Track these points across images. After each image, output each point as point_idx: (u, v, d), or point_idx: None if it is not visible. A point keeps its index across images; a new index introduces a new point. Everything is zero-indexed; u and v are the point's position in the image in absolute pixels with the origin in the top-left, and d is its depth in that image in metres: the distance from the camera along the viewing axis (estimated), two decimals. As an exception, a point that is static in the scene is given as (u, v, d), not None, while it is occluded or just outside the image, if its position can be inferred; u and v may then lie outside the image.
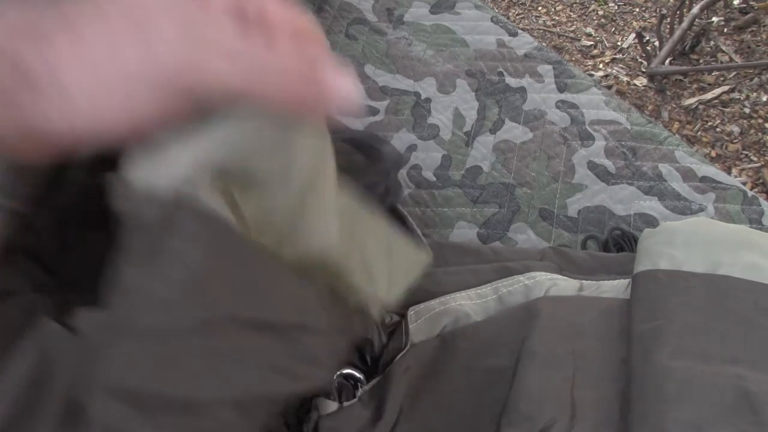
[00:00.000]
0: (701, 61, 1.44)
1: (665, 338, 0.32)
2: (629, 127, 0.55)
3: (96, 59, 0.16)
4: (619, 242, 0.47)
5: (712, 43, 1.46)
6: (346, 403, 0.34)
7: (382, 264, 0.27)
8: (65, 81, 0.15)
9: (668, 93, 1.39)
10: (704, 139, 1.30)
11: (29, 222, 0.24)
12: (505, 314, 0.39)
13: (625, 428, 0.30)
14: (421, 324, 0.39)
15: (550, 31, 1.54)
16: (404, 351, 0.37)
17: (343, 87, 0.19)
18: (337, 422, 0.33)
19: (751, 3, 1.50)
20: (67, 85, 0.16)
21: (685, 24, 1.39)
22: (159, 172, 0.18)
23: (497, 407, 0.32)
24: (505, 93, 0.56)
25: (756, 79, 1.39)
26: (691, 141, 1.30)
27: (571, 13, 1.59)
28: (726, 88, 1.38)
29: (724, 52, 1.45)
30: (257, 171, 0.20)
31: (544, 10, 1.60)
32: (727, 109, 1.35)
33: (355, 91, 0.20)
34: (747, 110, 1.34)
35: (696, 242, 0.38)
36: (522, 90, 0.57)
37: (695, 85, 1.40)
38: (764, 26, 1.47)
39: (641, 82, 1.42)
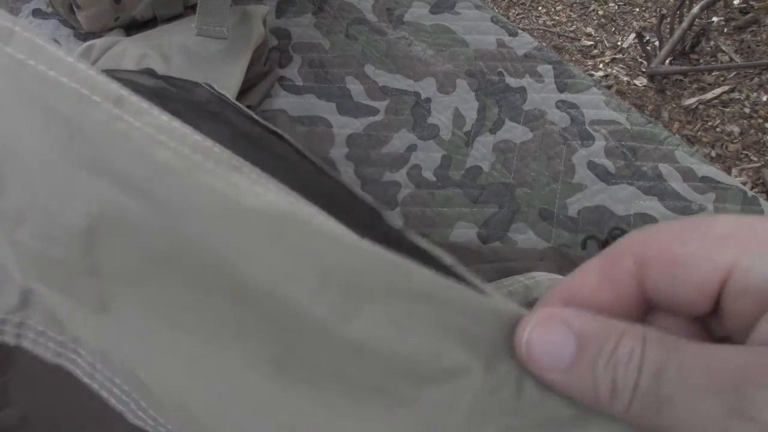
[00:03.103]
0: (701, 61, 1.44)
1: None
2: (629, 127, 0.55)
3: None
4: (619, 242, 0.47)
5: (712, 43, 1.47)
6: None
7: None
8: None
9: (668, 93, 1.39)
10: (704, 139, 1.31)
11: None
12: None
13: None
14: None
15: (550, 31, 1.54)
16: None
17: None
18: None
19: (751, 3, 1.51)
20: None
21: (685, 24, 1.40)
22: None
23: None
24: (505, 93, 0.56)
25: (756, 79, 1.39)
26: (691, 141, 1.30)
27: (571, 13, 1.59)
28: (726, 88, 1.38)
29: (724, 52, 1.45)
30: None
31: (544, 10, 1.60)
32: (727, 109, 1.35)
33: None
34: (747, 110, 1.34)
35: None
36: (522, 90, 0.57)
37: (695, 85, 1.41)
38: (764, 26, 1.47)
39: (641, 82, 1.42)
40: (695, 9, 1.40)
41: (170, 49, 0.49)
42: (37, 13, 0.58)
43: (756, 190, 1.21)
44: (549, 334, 0.16)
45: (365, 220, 0.30)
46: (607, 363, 0.15)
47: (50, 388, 0.19)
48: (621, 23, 1.56)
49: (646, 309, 0.17)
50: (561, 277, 0.41)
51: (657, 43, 1.43)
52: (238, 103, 0.34)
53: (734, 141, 1.30)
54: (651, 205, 0.51)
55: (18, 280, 0.18)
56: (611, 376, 0.15)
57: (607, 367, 0.15)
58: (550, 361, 0.15)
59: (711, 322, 0.17)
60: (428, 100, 0.55)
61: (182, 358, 0.17)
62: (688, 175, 0.53)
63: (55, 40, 0.56)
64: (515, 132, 0.54)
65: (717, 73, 1.42)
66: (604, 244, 0.48)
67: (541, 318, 0.16)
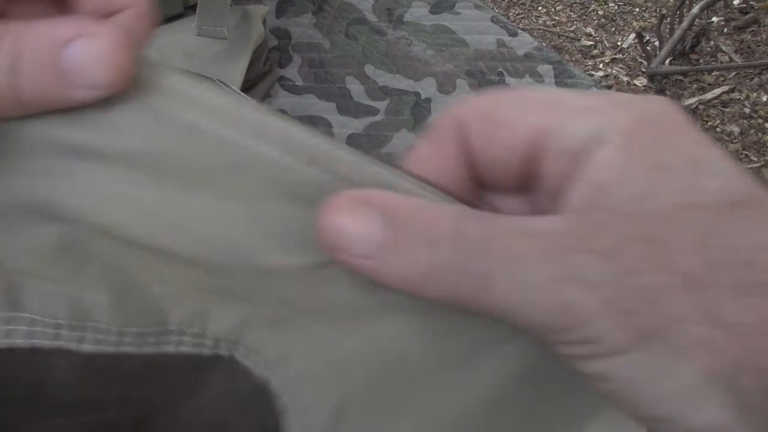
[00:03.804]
0: (701, 61, 1.44)
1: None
2: (629, 127, 0.55)
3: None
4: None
5: (712, 43, 1.47)
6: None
7: None
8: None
9: (668, 93, 1.39)
10: (704, 139, 1.30)
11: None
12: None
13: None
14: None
15: (550, 31, 1.55)
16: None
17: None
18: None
19: (751, 3, 1.51)
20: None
21: (685, 24, 1.40)
22: None
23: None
24: (505, 93, 0.57)
25: (756, 79, 1.39)
26: (691, 141, 1.30)
27: (571, 13, 1.59)
28: (726, 88, 1.38)
29: (724, 52, 1.45)
30: None
31: (544, 10, 1.60)
32: (727, 109, 1.35)
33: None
34: (747, 110, 1.34)
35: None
36: (522, 90, 0.57)
37: (695, 85, 1.41)
38: (764, 26, 1.47)
39: (641, 82, 1.42)
40: (695, 9, 1.40)
41: (170, 50, 0.49)
42: (37, 13, 0.58)
43: (756, 190, 1.21)
44: (356, 216, 0.14)
45: None
46: (426, 244, 0.14)
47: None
48: (621, 23, 1.56)
49: (476, 185, 0.16)
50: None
51: (657, 43, 1.43)
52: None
53: (734, 141, 1.30)
54: (651, 205, 0.51)
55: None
56: (430, 257, 0.13)
57: (426, 248, 0.13)
58: (360, 246, 0.14)
59: (535, 201, 0.17)
60: (428, 100, 0.55)
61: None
62: (688, 175, 0.53)
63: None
64: (515, 132, 0.54)
65: (717, 73, 1.42)
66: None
67: (344, 201, 0.14)
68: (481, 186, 0.17)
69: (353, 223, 0.14)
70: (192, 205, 0.16)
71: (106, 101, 0.14)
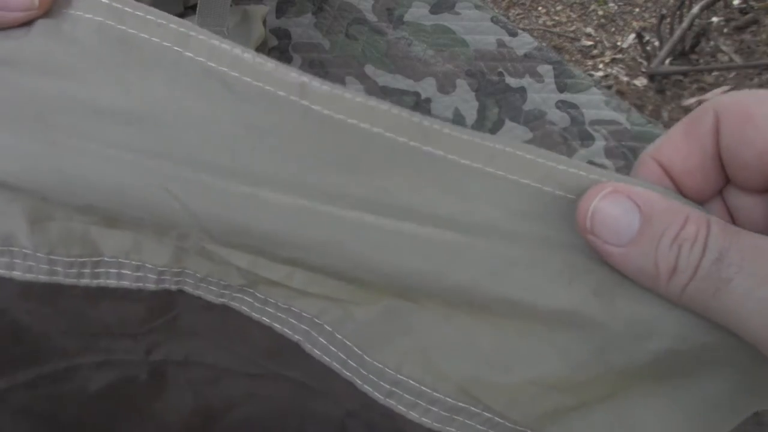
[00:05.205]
0: (701, 61, 1.44)
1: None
2: (629, 127, 0.55)
3: None
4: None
5: (712, 43, 1.46)
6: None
7: None
8: None
9: (668, 93, 1.39)
10: (704, 139, 1.30)
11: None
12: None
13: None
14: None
15: (550, 31, 1.54)
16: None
17: None
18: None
19: (751, 3, 1.51)
20: None
21: (685, 24, 1.39)
22: None
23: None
24: (505, 93, 0.56)
25: (756, 79, 1.39)
26: (691, 141, 1.30)
27: (571, 13, 1.59)
28: (726, 88, 1.38)
29: (724, 52, 1.45)
30: None
31: (544, 10, 1.60)
32: (727, 109, 1.35)
33: None
34: (747, 110, 1.34)
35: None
36: (522, 90, 0.57)
37: (695, 85, 1.40)
38: (764, 26, 1.47)
39: (641, 82, 1.42)
40: (695, 9, 1.40)
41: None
42: (36, 13, 0.58)
43: (756, 190, 1.21)
44: (615, 206, 0.15)
45: None
46: (672, 243, 0.15)
47: (213, 327, 0.20)
48: (621, 23, 1.56)
49: (724, 178, 0.17)
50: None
51: (657, 43, 1.43)
52: None
53: (734, 141, 1.30)
54: (651, 205, 0.51)
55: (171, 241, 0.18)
56: (674, 256, 0.15)
57: (672, 247, 0.15)
58: (613, 235, 0.15)
59: None
60: (428, 100, 0.55)
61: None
62: (688, 175, 0.52)
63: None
64: (515, 132, 0.54)
65: (717, 73, 1.42)
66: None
67: (608, 190, 0.16)
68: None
69: (613, 211, 0.15)
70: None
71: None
